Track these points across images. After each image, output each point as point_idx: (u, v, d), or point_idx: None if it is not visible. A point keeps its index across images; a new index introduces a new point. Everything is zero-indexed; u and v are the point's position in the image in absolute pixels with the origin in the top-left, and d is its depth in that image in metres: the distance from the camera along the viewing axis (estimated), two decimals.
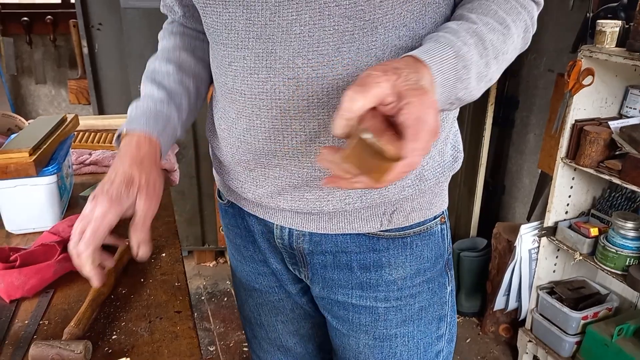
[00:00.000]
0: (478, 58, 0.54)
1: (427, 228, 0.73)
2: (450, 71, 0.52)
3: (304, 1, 0.57)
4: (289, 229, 0.74)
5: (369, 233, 0.71)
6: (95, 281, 0.63)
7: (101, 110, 2.35)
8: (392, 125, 0.46)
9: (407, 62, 0.49)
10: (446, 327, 0.81)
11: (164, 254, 0.85)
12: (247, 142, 0.67)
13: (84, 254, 0.60)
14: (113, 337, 0.65)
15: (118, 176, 0.63)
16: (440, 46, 0.52)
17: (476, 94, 0.57)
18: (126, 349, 0.63)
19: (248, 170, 0.71)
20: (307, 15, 0.57)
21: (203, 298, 2.32)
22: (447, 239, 0.78)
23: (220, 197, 0.87)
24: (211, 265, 2.58)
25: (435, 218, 0.74)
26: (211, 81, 0.80)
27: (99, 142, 1.33)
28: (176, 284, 0.77)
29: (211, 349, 2.00)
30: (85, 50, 2.25)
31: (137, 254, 0.63)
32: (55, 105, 2.79)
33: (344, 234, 0.72)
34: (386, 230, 0.71)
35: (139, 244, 0.63)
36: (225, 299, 2.31)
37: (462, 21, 0.57)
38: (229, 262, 0.93)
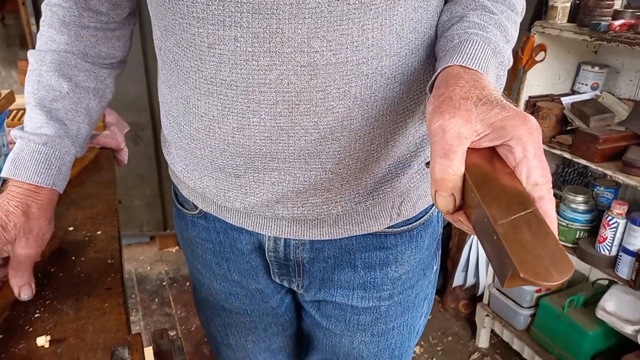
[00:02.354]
0: (507, 51, 0.51)
1: (429, 216, 0.69)
2: (492, 70, 0.47)
3: None
4: (286, 239, 0.66)
5: (377, 232, 0.65)
6: None
7: None
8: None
9: (465, 79, 0.42)
10: (427, 304, 0.79)
11: (99, 232, 0.82)
12: (237, 144, 0.55)
13: None
14: (36, 315, 0.62)
15: None
16: (479, 47, 0.47)
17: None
18: (48, 327, 0.61)
19: (234, 176, 0.59)
20: None
21: (165, 284, 2.29)
22: (440, 220, 0.74)
23: (182, 205, 0.75)
24: (174, 250, 2.54)
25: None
26: (119, 71, 0.71)
27: None
28: (109, 261, 0.74)
29: (172, 334, 1.97)
30: (34, 28, 2.15)
31: (19, 295, 0.60)
32: (7, 87, 2.67)
33: (350, 236, 0.65)
34: (394, 226, 0.66)
35: (19, 288, 0.60)
36: (187, 283, 2.28)
37: (480, 11, 0.52)
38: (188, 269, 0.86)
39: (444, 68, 0.45)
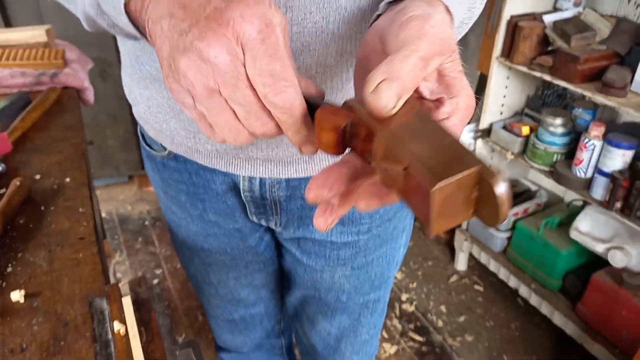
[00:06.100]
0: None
1: None
2: (459, 16, 0.43)
3: None
4: (261, 178, 0.64)
5: None
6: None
7: (7, 23, 2.10)
8: None
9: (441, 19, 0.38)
10: (406, 235, 0.80)
11: (68, 179, 0.79)
12: None
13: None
14: (8, 270, 0.60)
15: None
16: None
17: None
18: (22, 280, 0.59)
19: None
20: None
21: (147, 223, 2.28)
22: None
23: (150, 146, 0.72)
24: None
25: None
26: None
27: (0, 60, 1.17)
28: (80, 209, 0.72)
29: (157, 272, 1.99)
30: None
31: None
32: None
33: None
34: None
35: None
36: None
37: None
38: (164, 213, 0.82)
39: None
